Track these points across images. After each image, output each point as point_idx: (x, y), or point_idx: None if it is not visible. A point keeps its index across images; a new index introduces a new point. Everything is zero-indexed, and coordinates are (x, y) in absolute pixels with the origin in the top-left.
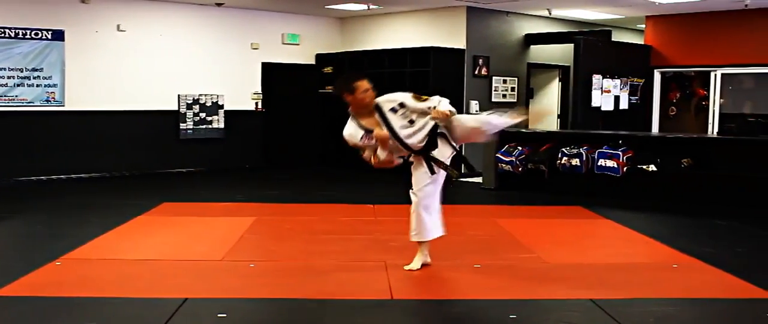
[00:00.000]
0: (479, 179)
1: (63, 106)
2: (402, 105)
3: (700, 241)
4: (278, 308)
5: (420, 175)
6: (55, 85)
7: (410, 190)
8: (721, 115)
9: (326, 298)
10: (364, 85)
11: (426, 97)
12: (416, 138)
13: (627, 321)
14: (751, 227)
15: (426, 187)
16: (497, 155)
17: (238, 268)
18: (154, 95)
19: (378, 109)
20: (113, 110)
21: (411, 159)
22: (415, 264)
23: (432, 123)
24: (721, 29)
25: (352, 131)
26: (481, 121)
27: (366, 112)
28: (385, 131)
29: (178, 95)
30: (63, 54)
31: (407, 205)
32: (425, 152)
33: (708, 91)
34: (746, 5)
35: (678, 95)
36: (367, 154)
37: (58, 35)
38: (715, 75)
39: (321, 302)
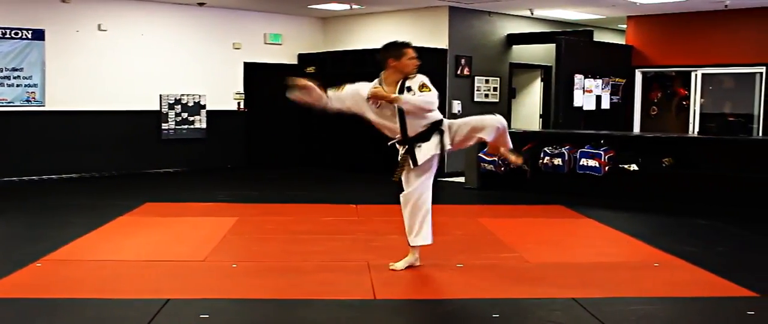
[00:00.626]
0: (462, 179)
1: (43, 106)
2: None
3: (681, 240)
4: (261, 309)
5: (416, 173)
6: (35, 85)
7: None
8: (701, 114)
9: (309, 299)
10: (411, 52)
11: (429, 89)
12: (417, 124)
13: (609, 319)
14: (731, 226)
15: (427, 181)
16: (480, 155)
17: (220, 269)
18: (136, 95)
19: (407, 78)
20: (94, 110)
21: (399, 149)
22: (401, 264)
23: (436, 117)
24: (701, 30)
25: (359, 88)
26: (477, 121)
27: (395, 81)
28: (387, 93)
29: (160, 95)
30: (43, 54)
31: (389, 204)
32: (412, 141)
33: (689, 91)
34: (726, 6)
35: (659, 95)
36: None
37: (39, 35)
38: (696, 75)
39: (304, 302)
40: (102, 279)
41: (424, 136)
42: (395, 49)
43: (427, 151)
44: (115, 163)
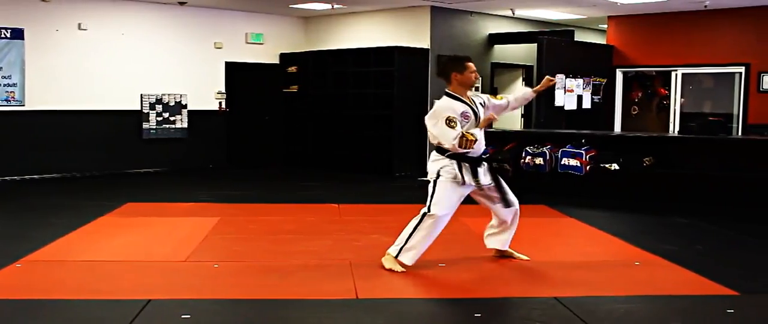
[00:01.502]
0: None
1: (23, 105)
2: (484, 104)
3: (661, 238)
4: (242, 309)
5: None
6: (14, 85)
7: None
8: (681, 114)
9: (291, 299)
10: (473, 66)
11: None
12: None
13: (590, 318)
14: (711, 225)
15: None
16: None
17: (202, 269)
18: (117, 95)
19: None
20: (75, 110)
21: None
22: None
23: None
24: (681, 30)
25: (453, 106)
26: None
27: (464, 93)
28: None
29: (141, 95)
30: (23, 53)
31: (372, 204)
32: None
33: (669, 90)
34: (706, 6)
35: (640, 95)
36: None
37: (18, 34)
38: (676, 75)
39: (286, 302)
40: (82, 279)
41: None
42: (459, 62)
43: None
44: (95, 163)
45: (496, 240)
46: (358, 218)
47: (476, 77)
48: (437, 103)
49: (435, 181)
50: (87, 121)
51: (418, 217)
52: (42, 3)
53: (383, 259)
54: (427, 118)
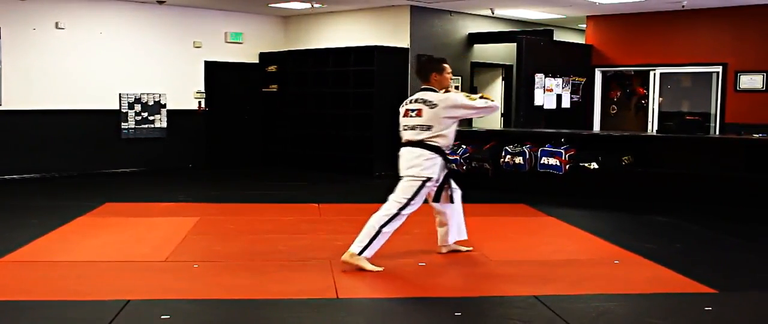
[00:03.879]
0: None
1: (0, 105)
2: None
3: (640, 237)
4: (223, 309)
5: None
6: None
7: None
8: (660, 113)
9: (271, 298)
10: (449, 68)
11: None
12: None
13: (569, 316)
14: (689, 223)
15: None
16: None
17: (181, 269)
18: (95, 94)
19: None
20: (53, 110)
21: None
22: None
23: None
24: (659, 30)
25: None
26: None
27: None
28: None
29: (120, 94)
30: None
31: (352, 204)
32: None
33: (647, 90)
34: (683, 6)
35: (618, 94)
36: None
37: None
38: (654, 74)
39: (266, 302)
40: (61, 280)
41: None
42: (437, 63)
43: None
44: (74, 163)
45: (444, 238)
46: (338, 218)
47: (448, 81)
48: (439, 94)
49: (424, 183)
50: (65, 120)
51: (392, 213)
52: (19, 2)
53: (346, 258)
54: (444, 109)
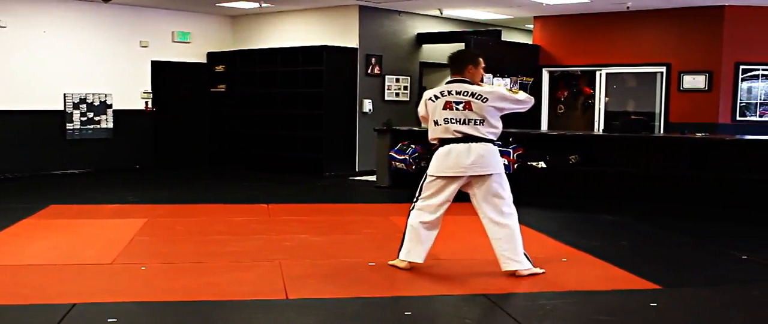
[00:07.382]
0: (373, 177)
1: None
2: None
3: (587, 235)
4: (171, 311)
5: None
6: None
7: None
8: (606, 112)
9: (221, 300)
10: (483, 63)
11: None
12: None
13: (518, 314)
14: (635, 221)
15: None
16: (390, 153)
17: (128, 271)
18: (39, 94)
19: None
20: None
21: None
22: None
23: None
24: (605, 31)
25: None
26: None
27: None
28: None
29: (64, 94)
30: None
31: (301, 204)
32: None
33: (594, 89)
34: (628, 7)
35: (566, 94)
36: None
37: None
38: (600, 74)
39: (215, 304)
40: (4, 284)
41: None
42: (476, 57)
43: None
44: (17, 164)
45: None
46: (287, 218)
47: (481, 76)
48: (484, 87)
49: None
50: (8, 121)
51: (515, 212)
52: None
53: (524, 274)
54: (495, 100)
